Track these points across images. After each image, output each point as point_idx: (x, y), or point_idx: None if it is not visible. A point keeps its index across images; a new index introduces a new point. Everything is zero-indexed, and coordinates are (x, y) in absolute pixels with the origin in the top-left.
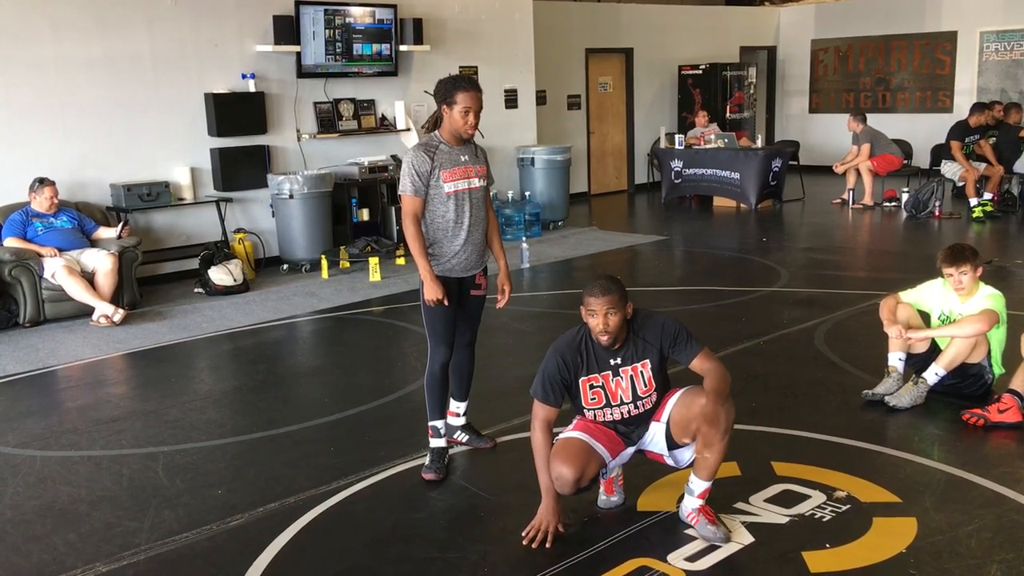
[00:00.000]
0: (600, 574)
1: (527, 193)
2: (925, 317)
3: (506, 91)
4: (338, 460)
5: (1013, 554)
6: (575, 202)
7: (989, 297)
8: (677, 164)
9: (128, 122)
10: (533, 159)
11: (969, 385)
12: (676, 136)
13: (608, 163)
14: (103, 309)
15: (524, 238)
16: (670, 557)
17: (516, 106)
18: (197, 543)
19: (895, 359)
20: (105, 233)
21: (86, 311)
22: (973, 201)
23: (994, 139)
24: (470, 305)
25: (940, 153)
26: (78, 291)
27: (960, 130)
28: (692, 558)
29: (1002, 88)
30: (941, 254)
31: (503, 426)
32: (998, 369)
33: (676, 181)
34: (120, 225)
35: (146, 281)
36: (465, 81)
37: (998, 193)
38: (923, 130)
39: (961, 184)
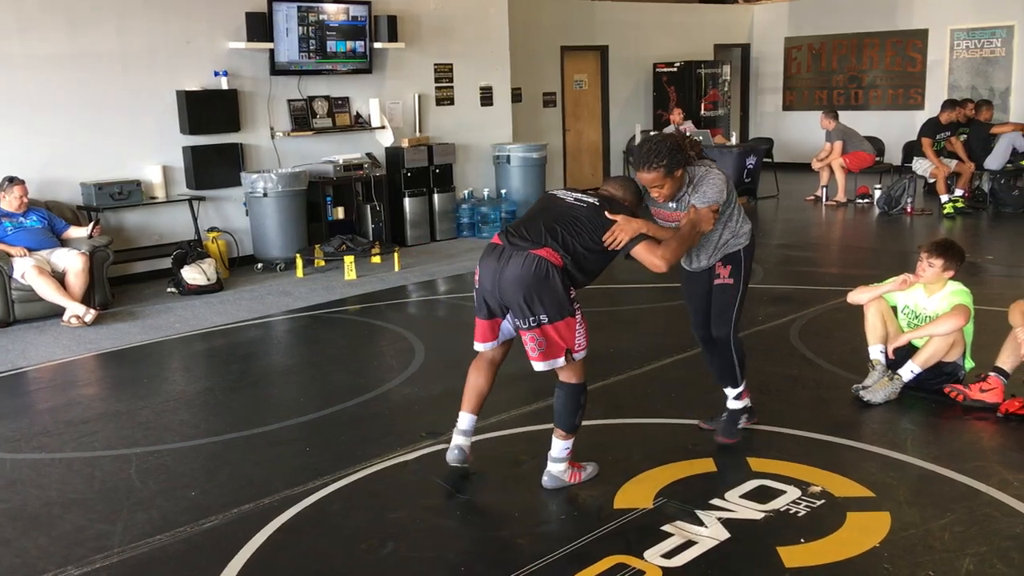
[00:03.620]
0: (576, 572)
1: (503, 191)
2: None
3: (481, 88)
4: (313, 460)
5: (985, 547)
6: None
7: (956, 293)
8: None
9: (99, 120)
10: (509, 157)
11: (943, 382)
12: (651, 133)
13: (584, 160)
14: (74, 309)
15: None
16: (647, 554)
17: (491, 104)
18: (171, 545)
19: (876, 352)
20: (76, 232)
21: (57, 311)
22: (944, 198)
23: (965, 136)
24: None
25: (912, 150)
26: (48, 291)
27: (931, 127)
28: (668, 555)
29: (972, 85)
30: (933, 239)
31: (481, 424)
32: (969, 364)
33: None
34: (91, 224)
35: (118, 281)
36: (639, 159)
37: (969, 190)
38: (895, 127)
39: (932, 181)
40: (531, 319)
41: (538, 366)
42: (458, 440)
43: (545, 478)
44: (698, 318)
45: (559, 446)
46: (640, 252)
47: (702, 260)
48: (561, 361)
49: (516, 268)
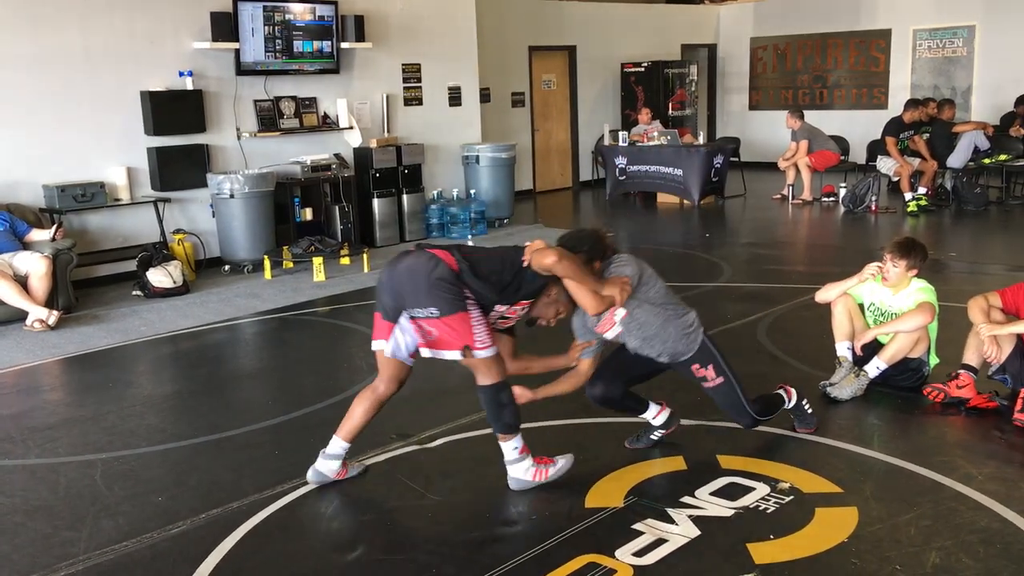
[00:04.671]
0: (548, 572)
1: (472, 191)
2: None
3: (450, 88)
4: (283, 463)
5: (951, 541)
6: (520, 199)
7: (922, 291)
8: (621, 161)
9: (61, 121)
10: (478, 157)
11: (907, 378)
12: (620, 133)
13: (553, 160)
14: (37, 313)
15: (470, 236)
16: (618, 553)
17: (460, 104)
18: (137, 552)
19: (843, 349)
20: (38, 235)
21: (19, 316)
22: (908, 196)
23: (928, 135)
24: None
25: (876, 149)
26: (11, 295)
27: (895, 126)
28: (639, 553)
29: (935, 85)
30: (895, 240)
31: (448, 426)
32: (934, 360)
33: (620, 178)
34: (54, 227)
35: (82, 284)
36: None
37: (932, 187)
38: (859, 126)
39: (896, 179)
40: (419, 310)
41: (425, 352)
42: (322, 465)
43: (510, 482)
44: (605, 375)
45: (507, 448)
46: (538, 249)
47: (650, 349)
48: (457, 355)
49: (410, 261)
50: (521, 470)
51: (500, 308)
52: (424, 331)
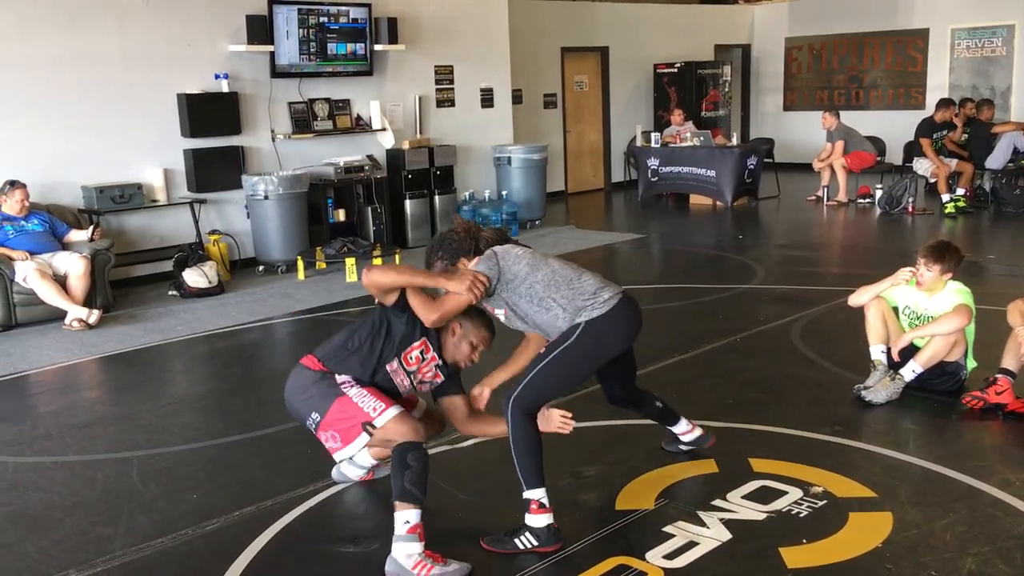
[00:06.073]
0: (578, 573)
1: (504, 192)
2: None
3: (482, 90)
4: (315, 462)
5: (988, 547)
6: (552, 201)
7: (958, 292)
8: (654, 162)
9: (99, 123)
10: (510, 158)
11: (944, 382)
12: (652, 134)
13: (585, 161)
14: (76, 312)
15: None
16: (648, 555)
17: (492, 105)
18: (172, 548)
19: (878, 352)
20: (77, 236)
21: (58, 315)
22: (945, 197)
23: (967, 135)
24: None
25: (912, 150)
26: (50, 295)
27: (928, 126)
28: (670, 556)
29: (973, 84)
30: (928, 243)
31: None
32: (971, 364)
33: (653, 179)
34: (92, 227)
35: (119, 284)
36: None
37: (970, 189)
38: (896, 127)
39: (934, 180)
40: (307, 422)
41: (340, 455)
42: (347, 468)
43: (388, 561)
44: (603, 382)
45: (398, 520)
46: (367, 270)
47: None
48: (364, 437)
49: (287, 383)
50: (404, 552)
51: (391, 366)
52: (329, 441)
